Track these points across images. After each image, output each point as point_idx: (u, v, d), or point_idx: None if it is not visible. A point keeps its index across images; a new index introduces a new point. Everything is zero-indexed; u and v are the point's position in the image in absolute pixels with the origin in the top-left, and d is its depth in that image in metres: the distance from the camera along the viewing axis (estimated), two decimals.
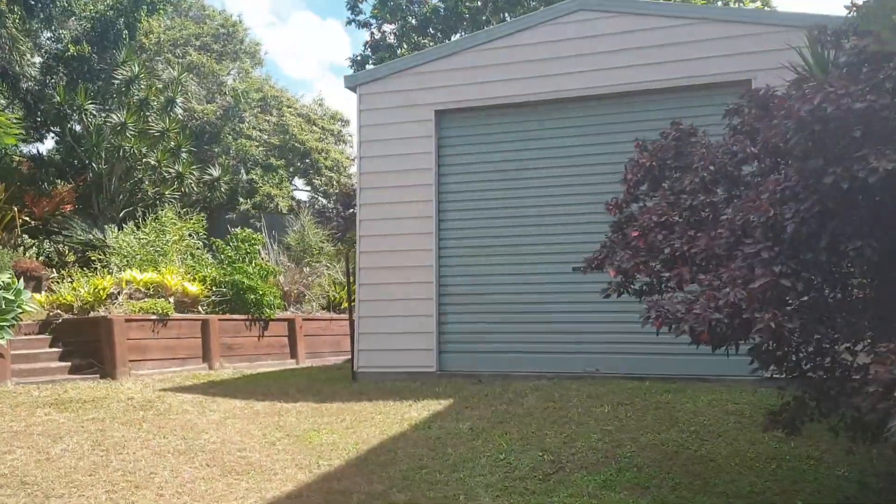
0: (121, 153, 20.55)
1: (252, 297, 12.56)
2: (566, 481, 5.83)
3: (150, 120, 21.52)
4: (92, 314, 11.15)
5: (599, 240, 9.83)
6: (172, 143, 21.77)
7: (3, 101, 21.36)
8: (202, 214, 15.75)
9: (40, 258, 18.86)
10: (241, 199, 24.99)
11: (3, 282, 9.22)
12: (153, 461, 6.32)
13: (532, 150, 10.09)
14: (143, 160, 21.35)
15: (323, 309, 14.69)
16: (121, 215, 20.90)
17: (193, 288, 12.04)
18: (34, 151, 24.12)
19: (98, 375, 10.43)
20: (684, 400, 8.05)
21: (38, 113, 22.25)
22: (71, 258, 19.17)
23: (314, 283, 14.64)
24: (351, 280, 15.44)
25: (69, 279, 12.42)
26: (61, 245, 19.18)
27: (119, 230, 16.37)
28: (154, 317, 11.22)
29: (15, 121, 22.26)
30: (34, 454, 6.23)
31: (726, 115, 5.51)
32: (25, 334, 11.00)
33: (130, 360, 10.73)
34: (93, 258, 13.12)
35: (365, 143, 10.69)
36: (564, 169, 9.96)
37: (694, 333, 4.24)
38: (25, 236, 19.36)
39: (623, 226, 6.04)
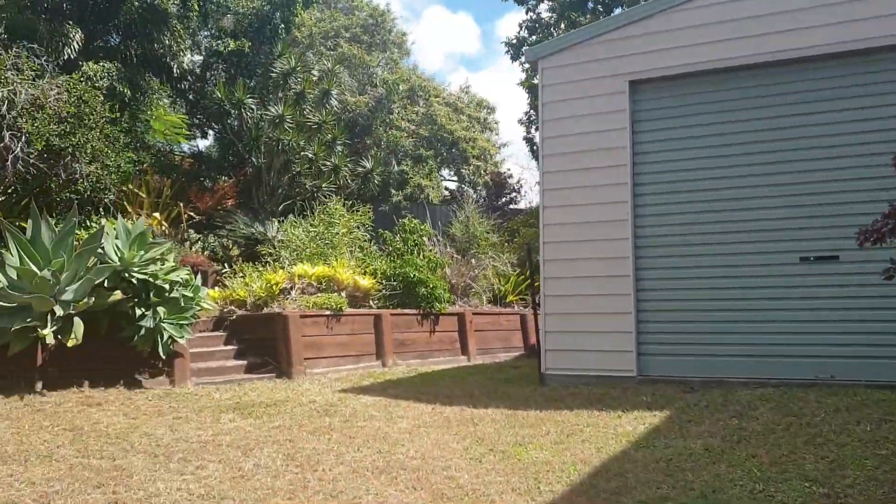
0: (279, 147, 20.60)
1: (423, 290, 11.90)
2: None
3: (306, 113, 21.50)
4: (265, 310, 10.82)
5: (829, 224, 8.50)
6: (329, 135, 21.67)
7: (166, 100, 21.96)
8: (367, 206, 15.34)
9: (205, 253, 19.16)
10: (393, 191, 24.68)
11: (181, 278, 8.93)
12: (353, 481, 5.62)
13: (745, 121, 8.76)
14: (301, 153, 21.36)
15: (489, 303, 13.87)
16: (280, 209, 21.00)
17: (365, 282, 11.51)
18: (196, 148, 24.82)
19: (274, 374, 10.05)
20: None
21: (199, 110, 22.78)
22: (235, 252, 19.40)
23: (480, 275, 13.83)
24: (527, 273, 14.57)
25: (240, 274, 12.20)
26: (225, 239, 19.41)
27: (279, 224, 16.19)
28: (328, 312, 10.74)
29: (182, 121, 22.95)
30: (227, 470, 5.68)
31: None
32: (200, 331, 10.80)
33: (306, 358, 10.29)
34: (262, 252, 12.87)
35: (548, 122, 9.69)
36: (785, 143, 8.57)
37: None
38: (191, 231, 19.75)
39: None
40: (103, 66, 19.49)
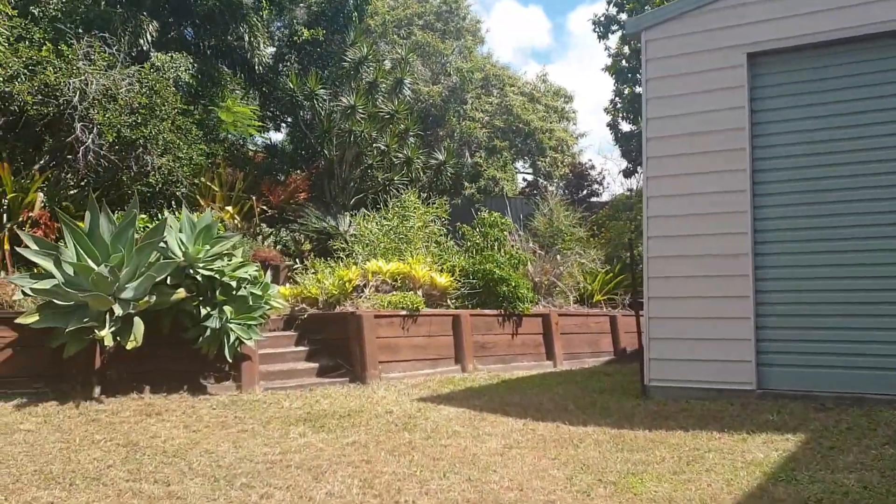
0: (351, 138, 19.97)
1: (504, 289, 10.97)
2: None
3: (378, 103, 20.82)
4: (338, 309, 10.07)
5: None
6: (401, 125, 20.95)
7: (239, 92, 21.58)
8: (444, 198, 14.51)
9: (277, 247, 18.66)
10: (467, 184, 23.80)
11: (250, 275, 8.23)
12: None
13: (890, 97, 7.52)
14: (373, 145, 20.68)
15: (575, 303, 12.84)
16: (352, 202, 20.37)
17: (442, 279, 10.65)
18: (268, 141, 24.45)
19: (347, 378, 9.28)
20: None
21: (272, 102, 22.33)
22: (307, 247, 18.85)
23: (565, 273, 12.82)
24: (616, 271, 13.53)
25: (312, 270, 11.49)
26: (297, 233, 18.89)
27: (350, 217, 15.47)
28: (403, 312, 9.93)
29: (254, 112, 22.57)
30: (295, 500, 4.88)
31: None
32: (271, 330, 10.13)
33: (380, 362, 9.49)
34: (334, 247, 12.15)
35: (653, 101, 8.61)
36: None
37: None
38: (263, 225, 19.29)
39: None
40: (172, 57, 19.18)
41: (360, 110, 19.72)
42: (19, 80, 15.29)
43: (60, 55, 16.00)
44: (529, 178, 28.95)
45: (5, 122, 17.13)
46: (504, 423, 7.25)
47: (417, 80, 22.83)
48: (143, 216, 17.34)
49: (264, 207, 20.25)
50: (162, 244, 7.76)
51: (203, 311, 7.75)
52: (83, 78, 15.70)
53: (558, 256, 13.05)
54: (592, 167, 24.60)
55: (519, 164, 29.74)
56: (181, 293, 7.62)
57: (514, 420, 7.37)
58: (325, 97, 20.13)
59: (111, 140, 15.94)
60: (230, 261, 8.06)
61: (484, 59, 28.40)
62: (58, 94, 15.70)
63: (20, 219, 16.26)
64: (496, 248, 11.75)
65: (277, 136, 24.77)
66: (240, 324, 8.00)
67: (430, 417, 7.35)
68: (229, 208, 19.12)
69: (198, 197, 18.83)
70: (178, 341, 8.01)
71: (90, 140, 15.93)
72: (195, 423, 6.81)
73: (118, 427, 6.47)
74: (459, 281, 10.96)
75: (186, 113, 18.30)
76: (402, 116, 20.74)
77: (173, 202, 18.10)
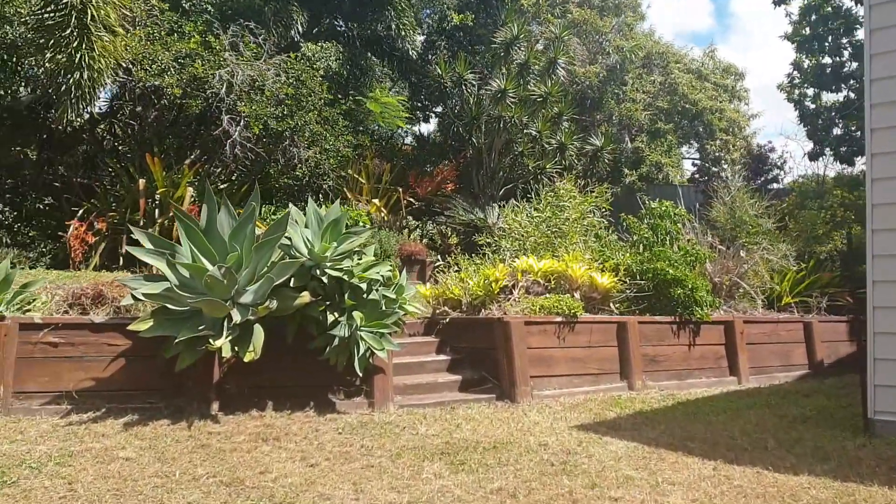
0: (500, 124, 18.75)
1: (679, 291, 9.36)
2: None
3: (529, 86, 19.46)
4: (483, 313, 8.87)
5: None
6: (554, 109, 19.50)
7: (389, 83, 20.92)
8: (605, 185, 13.00)
9: (423, 241, 17.81)
10: (627, 171, 21.96)
11: (382, 275, 7.18)
12: None
13: None
14: (524, 131, 19.37)
15: (764, 308, 10.95)
16: (500, 193, 19.16)
17: (603, 280, 9.19)
18: (417, 132, 23.73)
19: (494, 395, 8.06)
20: None
21: (421, 92, 21.48)
22: (453, 240, 17.87)
23: (749, 272, 10.95)
24: (807, 268, 11.50)
25: (455, 267, 10.37)
26: (443, 226, 17.94)
27: (499, 209, 14.24)
28: (558, 319, 8.58)
29: (403, 102, 21.88)
30: None
31: None
32: (410, 335, 9.11)
33: (532, 377, 8.20)
34: (479, 242, 10.97)
35: (880, 57, 6.75)
36: None
37: None
38: (409, 218, 18.50)
39: None
40: (322, 47, 18.72)
41: (511, 94, 18.45)
42: (168, 73, 15.21)
43: (208, 47, 15.82)
44: (696, 163, 26.58)
45: (157, 116, 17.29)
46: (688, 466, 5.76)
47: (573, 60, 21.23)
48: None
49: (411, 199, 19.48)
50: (286, 241, 6.86)
51: (330, 318, 6.78)
52: (229, 69, 15.43)
53: (741, 252, 11.18)
54: (772, 149, 22.01)
55: (684, 149, 27.41)
56: (305, 297, 6.68)
57: (700, 462, 5.87)
58: (473, 82, 19.03)
59: (257, 132, 15.58)
60: (360, 260, 7.05)
61: (645, 36, 26.28)
62: (206, 86, 15.53)
63: (170, 214, 16.33)
64: (668, 242, 10.13)
65: (427, 128, 24.03)
66: (371, 332, 6.97)
67: (593, 455, 5.99)
68: (376, 201, 18.47)
69: (345, 189, 18.30)
70: (304, 351, 7.09)
71: (237, 132, 15.66)
72: (315, 452, 5.82)
73: (227, 457, 5.58)
74: (624, 282, 9.46)
75: (333, 104, 17.77)
76: (556, 99, 19.28)
77: (320, 195, 17.66)
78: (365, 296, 6.92)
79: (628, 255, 9.77)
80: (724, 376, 9.80)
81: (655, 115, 24.03)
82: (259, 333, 6.53)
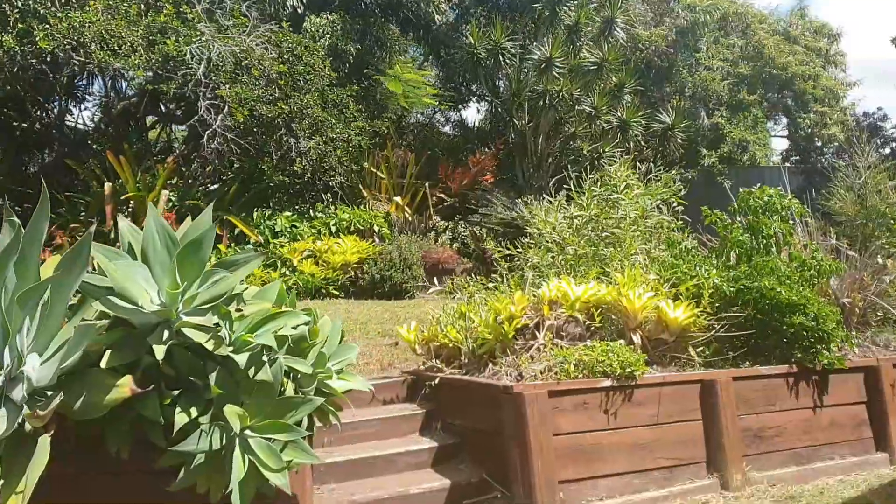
0: (546, 100, 15.52)
1: (796, 322, 6.04)
2: None
3: (581, 53, 16.15)
4: (490, 370, 5.74)
5: None
6: (612, 79, 16.16)
7: (414, 56, 17.88)
8: (677, 170, 9.74)
9: (454, 245, 14.75)
10: (705, 151, 18.41)
11: (290, 335, 4.13)
12: None
13: None
14: (576, 108, 16.09)
15: None
16: (550, 183, 15.87)
17: (678, 313, 5.91)
18: (447, 115, 20.66)
19: None
20: None
21: (453, 69, 18.31)
22: (489, 244, 14.79)
23: (889, 287, 7.48)
24: None
25: (486, 284, 7.19)
26: (478, 227, 14.86)
27: (541, 202, 11.01)
28: (606, 382, 5.37)
29: (430, 80, 18.77)
30: None
31: None
32: (383, 402, 6.09)
33: (563, 482, 5.03)
34: (511, 251, 7.81)
35: None
36: None
37: None
38: (437, 218, 15.47)
39: None
40: (330, 20, 15.80)
41: (558, 63, 15.22)
42: (137, 54, 12.52)
43: (184, 20, 13.05)
44: (783, 141, 22.71)
45: (124, 107, 14.66)
46: None
47: (633, 21, 17.81)
48: (288, 213, 14.11)
49: (442, 196, 16.43)
50: (97, 283, 3.89)
51: (179, 418, 3.77)
52: (204, 41, 12.64)
53: (878, 258, 7.70)
54: (884, 117, 18.10)
55: (769, 125, 23.56)
56: (123, 388, 3.68)
57: None
58: (513, 51, 15.84)
59: (242, 119, 12.77)
60: (241, 310, 4.02)
61: None
62: (182, 66, 12.79)
63: (141, 224, 13.67)
64: (773, 249, 6.80)
65: (462, 112, 20.91)
66: (265, 439, 3.93)
67: None
68: (398, 199, 15.47)
69: (360, 186, 15.38)
70: (151, 471, 4.12)
71: (218, 121, 12.88)
72: None
73: None
74: (710, 313, 6.14)
75: (341, 84, 14.85)
76: (614, 68, 15.96)
77: (328, 194, 14.77)
78: (251, 375, 3.89)
79: (714, 270, 6.46)
80: (869, 453, 6.40)
81: (736, 84, 20.33)
82: (40, 455, 3.57)
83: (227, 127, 12.73)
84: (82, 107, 14.77)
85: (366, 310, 10.96)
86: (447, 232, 15.15)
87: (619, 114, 16.20)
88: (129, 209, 13.31)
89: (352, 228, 13.72)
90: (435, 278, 13.15)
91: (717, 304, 6.28)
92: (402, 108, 16.01)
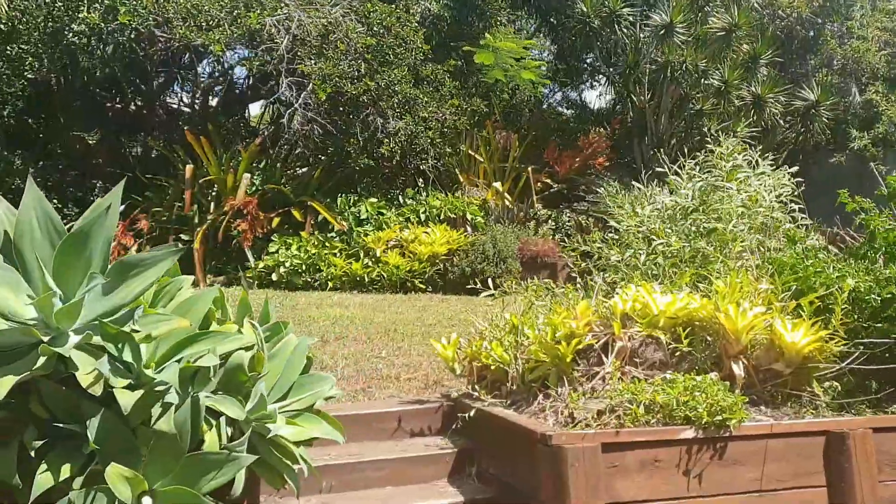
0: (667, 73, 13.84)
1: None
2: None
3: (709, 19, 14.29)
4: (536, 403, 4.44)
5: None
6: (745, 47, 14.23)
7: (515, 26, 16.48)
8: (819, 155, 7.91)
9: (556, 236, 13.34)
10: (855, 133, 15.98)
11: (211, 364, 3.01)
12: None
13: None
14: (702, 82, 14.28)
15: None
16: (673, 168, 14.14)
17: (796, 335, 4.38)
18: (559, 93, 19.10)
19: None
20: None
21: (571, 50, 16.73)
22: (596, 236, 13.28)
23: None
24: None
25: (554, 288, 5.86)
26: (584, 216, 13.40)
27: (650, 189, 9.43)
28: (688, 432, 3.95)
29: (538, 53, 17.33)
30: None
31: None
32: (411, 434, 4.93)
33: None
34: (591, 249, 6.44)
35: None
36: None
37: None
38: (539, 206, 14.09)
39: None
40: None
41: (679, 29, 13.50)
42: (219, 28, 11.93)
43: None
44: None
45: (209, 86, 14.13)
46: None
47: None
48: (374, 200, 13.15)
49: (548, 181, 15.05)
50: None
51: (43, 479, 2.72)
52: (287, 13, 11.86)
53: None
54: None
55: None
56: None
57: None
58: (630, 18, 14.21)
59: (324, 98, 11.92)
60: (155, 328, 2.94)
61: None
62: (262, 41, 12.10)
63: (224, 208, 13.09)
64: None
65: (577, 94, 19.24)
66: None
67: None
68: (498, 184, 14.22)
69: (456, 171, 14.24)
70: None
71: (300, 99, 12.11)
72: None
73: None
74: (841, 334, 4.54)
75: (437, 59, 13.73)
76: (746, 35, 14.02)
77: (420, 179, 13.72)
78: (151, 422, 2.82)
79: (860, 274, 4.83)
80: None
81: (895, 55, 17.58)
82: None
83: (308, 106, 11.92)
84: (176, 88, 14.38)
85: (444, 307, 9.85)
86: (549, 221, 13.75)
87: (754, 89, 14.23)
88: (213, 193, 12.80)
89: (442, 217, 12.62)
90: (533, 274, 11.88)
91: (853, 324, 4.67)
92: (503, 83, 14.68)
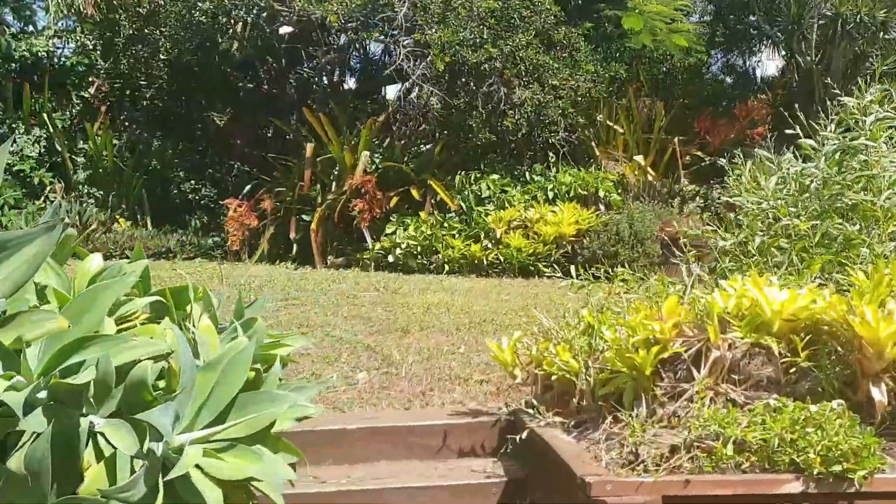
0: (838, 27, 11.99)
1: None
2: None
3: None
4: (607, 428, 3.49)
5: None
6: None
7: None
8: None
9: (705, 215, 11.87)
10: None
11: (88, 380, 2.33)
12: None
13: None
14: (882, 37, 12.28)
15: None
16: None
17: None
18: (726, 61, 17.18)
19: None
20: None
21: (730, 13, 14.97)
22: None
23: None
24: None
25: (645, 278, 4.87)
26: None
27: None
28: (794, 485, 2.87)
29: (694, 17, 15.75)
30: None
31: None
32: (458, 453, 4.13)
33: None
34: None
35: None
36: None
37: None
38: (685, 181, 12.65)
39: None
40: None
41: None
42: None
43: None
44: None
45: (328, 61, 13.73)
46: None
47: None
48: (496, 177, 12.29)
49: (698, 153, 13.53)
50: None
51: None
52: None
53: None
54: None
55: None
56: None
57: None
58: None
59: (443, 68, 11.20)
60: (27, 332, 2.31)
61: None
62: (380, 9, 11.59)
63: (344, 187, 12.72)
64: None
65: (738, 59, 17.28)
66: None
67: None
68: (639, 158, 12.93)
69: (592, 144, 13.08)
70: None
71: (418, 70, 11.47)
72: None
73: None
74: None
75: (568, 21, 12.60)
76: None
77: (549, 153, 12.68)
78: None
79: None
80: None
81: None
82: None
83: (425, 77, 11.26)
84: (307, 67, 14.19)
85: (560, 295, 8.87)
86: (697, 199, 12.30)
87: None
88: (335, 172, 12.48)
89: (572, 194, 11.56)
90: (673, 259, 10.63)
91: None
92: (650, 49, 13.30)
